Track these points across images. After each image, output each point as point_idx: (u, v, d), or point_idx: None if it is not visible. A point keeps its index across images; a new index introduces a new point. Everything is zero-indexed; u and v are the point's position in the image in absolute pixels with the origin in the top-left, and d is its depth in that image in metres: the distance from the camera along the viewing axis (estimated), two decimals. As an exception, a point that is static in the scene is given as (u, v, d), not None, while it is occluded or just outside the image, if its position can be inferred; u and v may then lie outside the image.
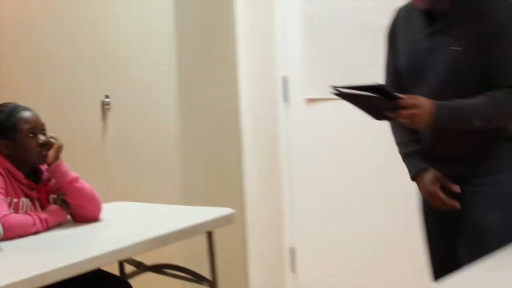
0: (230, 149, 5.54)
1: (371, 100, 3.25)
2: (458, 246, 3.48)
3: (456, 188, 3.48)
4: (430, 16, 3.39)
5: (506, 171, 3.40)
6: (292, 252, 5.47)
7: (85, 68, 5.40)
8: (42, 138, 3.76)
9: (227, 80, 5.49)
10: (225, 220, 3.97)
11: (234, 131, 5.56)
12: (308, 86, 5.22)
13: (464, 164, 3.45)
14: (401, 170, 4.75)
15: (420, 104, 3.19)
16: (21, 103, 3.93)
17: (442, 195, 3.41)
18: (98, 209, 3.85)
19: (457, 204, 3.40)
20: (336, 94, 3.29)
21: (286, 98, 5.35)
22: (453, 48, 3.31)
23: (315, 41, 5.21)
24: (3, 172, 3.68)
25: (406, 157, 3.59)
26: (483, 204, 3.39)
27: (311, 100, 5.23)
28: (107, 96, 5.26)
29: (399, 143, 3.62)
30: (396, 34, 3.59)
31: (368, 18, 4.99)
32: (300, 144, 5.36)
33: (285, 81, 5.35)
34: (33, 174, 3.81)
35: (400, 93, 3.34)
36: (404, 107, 3.17)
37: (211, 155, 5.39)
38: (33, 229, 3.57)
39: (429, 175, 3.48)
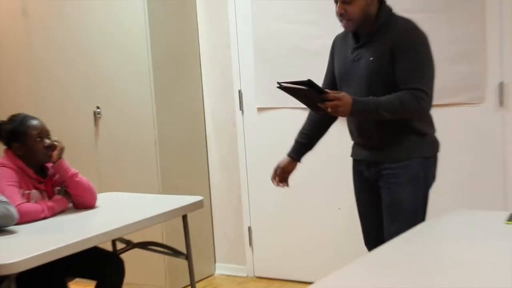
0: (198, 149, 5.58)
1: (306, 93, 3.41)
2: (382, 214, 3.64)
3: (284, 186, 3.96)
4: (357, 36, 3.59)
5: (413, 158, 3.56)
6: (250, 230, 5.52)
7: (80, 85, 5.42)
8: (47, 141, 3.83)
9: (194, 94, 5.55)
10: (196, 206, 4.04)
11: (201, 134, 5.60)
12: (259, 97, 5.29)
13: (382, 152, 3.62)
14: (333, 162, 4.97)
15: (341, 97, 3.35)
16: (28, 113, 3.98)
17: (274, 180, 3.89)
18: (94, 198, 3.95)
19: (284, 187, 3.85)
20: (280, 88, 3.45)
21: (241, 107, 5.39)
22: (370, 58, 3.51)
23: (263, 62, 5.24)
24: (16, 169, 3.77)
25: (294, 141, 3.83)
26: (397, 182, 3.56)
27: (261, 109, 5.30)
28: (98, 107, 5.33)
29: (299, 131, 3.83)
30: (334, 50, 3.78)
31: (304, 44, 5.03)
32: (253, 144, 5.39)
33: (240, 94, 5.39)
34: (41, 171, 3.88)
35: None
36: (330, 100, 3.34)
37: (183, 154, 5.44)
38: (42, 215, 3.67)
39: (285, 162, 3.85)
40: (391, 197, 3.60)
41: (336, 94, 3.38)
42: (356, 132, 3.71)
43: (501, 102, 4.52)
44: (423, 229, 3.26)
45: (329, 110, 3.39)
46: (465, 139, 4.63)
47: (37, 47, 5.60)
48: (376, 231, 3.64)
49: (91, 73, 5.38)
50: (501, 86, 4.51)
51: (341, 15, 3.53)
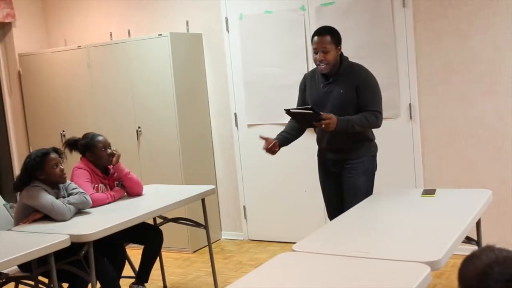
0: (207, 153, 5.52)
1: (306, 116, 3.40)
2: (343, 197, 3.64)
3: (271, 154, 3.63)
4: (325, 76, 3.60)
5: (366, 156, 3.62)
6: (244, 208, 5.48)
7: (127, 112, 5.39)
8: (109, 150, 3.87)
9: (204, 115, 5.49)
10: (210, 192, 4.04)
11: (209, 143, 5.54)
12: (248, 117, 5.26)
13: (344, 153, 3.63)
14: (302, 161, 4.92)
15: (331, 117, 3.37)
16: (94, 131, 4.03)
17: (265, 149, 3.59)
18: (141, 189, 3.97)
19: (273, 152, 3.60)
20: (286, 112, 3.46)
21: (236, 124, 5.35)
22: (340, 91, 3.53)
23: (251, 93, 5.20)
24: (89, 170, 3.80)
25: (280, 133, 3.71)
26: (355, 174, 3.60)
27: (250, 125, 5.25)
28: (139, 127, 5.33)
29: (283, 130, 3.74)
30: (306, 84, 3.73)
31: (279, 80, 5.01)
32: (245, 149, 5.34)
33: (235, 115, 5.35)
34: (105, 171, 3.93)
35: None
36: (324, 119, 3.36)
37: (197, 157, 5.37)
38: (107, 201, 3.74)
39: (273, 141, 3.59)
40: (351, 184, 3.61)
41: (328, 115, 3.39)
42: (326, 140, 3.68)
43: (410, 117, 4.59)
44: (368, 202, 3.33)
45: (323, 126, 3.38)
46: (389, 142, 4.59)
47: (97, 88, 5.57)
48: (337, 210, 3.56)
49: (134, 103, 5.36)
50: (410, 106, 4.57)
51: (321, 61, 3.52)
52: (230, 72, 5.36)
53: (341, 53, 3.61)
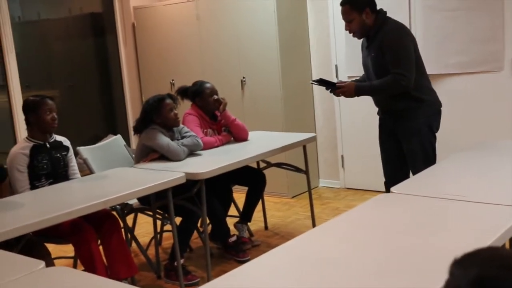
0: (307, 103, 5.59)
1: (326, 85, 3.57)
2: (405, 160, 3.60)
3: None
4: (367, 38, 3.57)
5: (417, 118, 3.50)
6: (342, 158, 5.54)
7: (233, 63, 5.50)
8: (216, 97, 4.01)
9: (306, 67, 5.52)
10: (311, 139, 4.17)
11: (310, 94, 5.59)
12: (348, 69, 5.18)
13: (394, 115, 3.59)
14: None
15: (345, 85, 3.47)
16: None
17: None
18: (247, 134, 4.13)
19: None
20: (312, 83, 3.70)
21: (337, 75, 5.31)
22: (372, 54, 3.50)
23: (352, 45, 4.90)
24: (198, 116, 3.98)
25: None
26: (409, 136, 3.53)
27: (350, 77, 4.91)
28: (244, 77, 5.46)
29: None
30: (362, 48, 3.71)
31: None
32: (345, 101, 5.03)
33: (336, 67, 5.37)
34: (213, 116, 4.08)
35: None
36: (339, 88, 3.49)
37: (298, 106, 5.46)
38: (216, 144, 3.93)
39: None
40: (408, 148, 3.56)
41: (341, 84, 3.47)
42: (374, 102, 3.70)
43: None
44: (467, 151, 3.24)
45: (340, 95, 3.50)
46: (490, 95, 4.57)
47: (205, 39, 5.71)
48: (393, 172, 3.62)
49: (240, 55, 5.47)
50: None
51: (349, 31, 3.52)
52: (332, 25, 5.36)
53: (379, 12, 3.49)
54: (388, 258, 1.83)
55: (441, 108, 3.65)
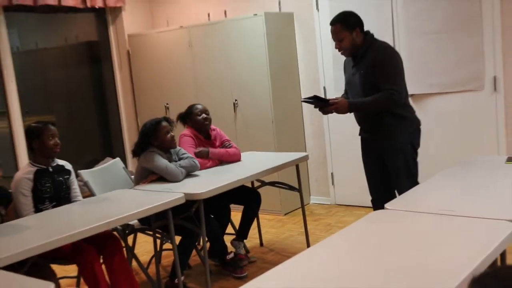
0: (297, 124, 5.56)
1: (318, 102, 3.45)
2: (389, 177, 3.59)
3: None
4: (354, 58, 3.56)
5: (400, 134, 3.51)
6: (332, 175, 5.53)
7: (225, 87, 5.50)
8: (204, 116, 4.00)
9: (295, 90, 5.53)
10: (304, 158, 4.16)
11: (299, 115, 5.60)
12: (336, 90, 5.03)
13: (377, 133, 3.58)
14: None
15: (339, 102, 3.40)
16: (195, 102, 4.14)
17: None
18: (238, 157, 4.11)
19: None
20: (302, 101, 3.58)
21: (325, 97, 5.15)
22: (361, 72, 3.49)
23: (339, 67, 4.57)
24: (193, 136, 3.97)
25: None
26: (393, 154, 3.53)
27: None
28: (236, 100, 5.47)
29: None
30: (344, 67, 3.74)
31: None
32: (333, 121, 5.31)
33: (324, 88, 5.39)
34: (207, 136, 4.06)
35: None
36: (332, 105, 3.41)
37: (289, 127, 5.46)
38: (208, 165, 3.90)
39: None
40: (391, 164, 3.55)
41: (335, 101, 3.40)
42: (357, 120, 3.69)
43: (495, 89, 4.52)
44: (455, 167, 3.23)
45: (333, 111, 3.42)
46: (472, 114, 4.62)
47: (197, 64, 5.72)
48: (378, 191, 3.62)
49: (232, 79, 5.48)
50: (494, 79, 4.51)
51: (338, 49, 3.53)
52: (319, 48, 5.39)
53: (367, 33, 3.52)
54: (388, 277, 1.80)
55: (421, 127, 3.67)
